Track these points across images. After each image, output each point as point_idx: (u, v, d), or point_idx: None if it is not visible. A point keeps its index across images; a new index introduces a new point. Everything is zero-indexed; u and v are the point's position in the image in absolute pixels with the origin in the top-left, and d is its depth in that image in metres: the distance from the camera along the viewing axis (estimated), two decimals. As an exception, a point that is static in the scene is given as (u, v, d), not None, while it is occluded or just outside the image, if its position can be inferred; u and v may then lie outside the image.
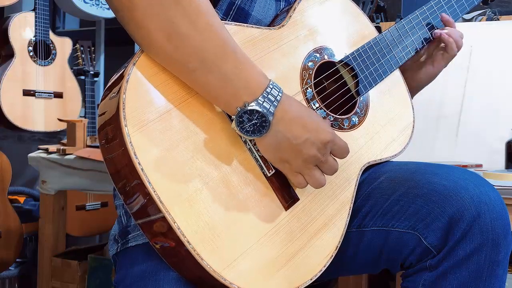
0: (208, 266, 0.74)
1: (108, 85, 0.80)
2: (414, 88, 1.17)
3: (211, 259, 0.74)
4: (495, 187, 0.90)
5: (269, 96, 0.80)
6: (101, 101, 0.81)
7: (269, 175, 0.84)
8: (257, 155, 0.84)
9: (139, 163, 0.73)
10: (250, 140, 0.84)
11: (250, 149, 0.84)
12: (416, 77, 1.16)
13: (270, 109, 0.80)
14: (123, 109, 0.74)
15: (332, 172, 0.87)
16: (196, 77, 0.79)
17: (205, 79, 0.79)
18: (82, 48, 2.67)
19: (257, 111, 0.79)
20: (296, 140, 0.82)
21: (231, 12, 0.96)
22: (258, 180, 0.83)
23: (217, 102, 0.81)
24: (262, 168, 0.84)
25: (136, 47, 0.83)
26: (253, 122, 0.79)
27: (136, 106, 0.75)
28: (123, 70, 0.78)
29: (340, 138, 0.87)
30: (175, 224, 0.73)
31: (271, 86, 0.81)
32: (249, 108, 0.79)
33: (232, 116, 0.80)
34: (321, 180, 0.85)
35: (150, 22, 0.77)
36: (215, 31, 0.79)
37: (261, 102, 0.79)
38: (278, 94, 0.81)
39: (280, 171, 0.85)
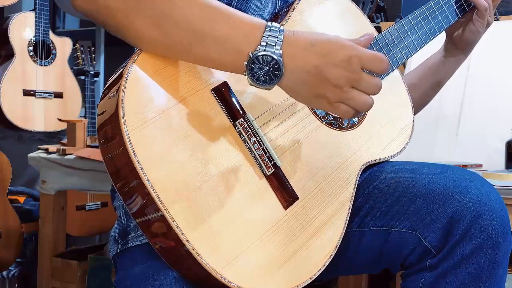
0: (207, 265, 0.74)
1: (107, 84, 0.80)
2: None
3: (210, 258, 0.74)
4: (495, 187, 0.90)
5: (270, 37, 0.77)
6: (100, 100, 0.81)
7: (268, 174, 0.84)
8: (256, 153, 0.84)
9: (138, 162, 0.73)
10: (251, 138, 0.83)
11: (249, 148, 0.84)
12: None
13: (276, 47, 0.77)
14: (122, 108, 0.74)
15: (374, 88, 0.79)
16: (195, 51, 0.78)
17: (204, 50, 0.78)
18: (82, 48, 2.67)
19: (263, 56, 0.76)
20: (316, 69, 0.78)
21: None
22: (258, 179, 0.83)
23: (225, 67, 0.80)
24: (261, 167, 0.84)
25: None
26: (265, 69, 0.77)
27: (135, 105, 0.75)
28: (122, 69, 0.78)
29: (364, 49, 0.80)
30: (174, 222, 0.73)
31: (269, 28, 0.78)
32: (254, 56, 0.76)
33: (244, 73, 0.78)
34: (366, 99, 0.79)
35: (134, 19, 0.78)
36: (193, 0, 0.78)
37: (264, 46, 0.77)
38: (278, 32, 0.78)
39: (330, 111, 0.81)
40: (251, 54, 0.77)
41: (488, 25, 1.20)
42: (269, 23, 0.78)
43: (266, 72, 0.77)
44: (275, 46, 0.77)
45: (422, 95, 1.26)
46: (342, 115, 0.80)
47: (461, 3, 1.17)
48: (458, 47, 1.23)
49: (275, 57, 0.77)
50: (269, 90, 0.80)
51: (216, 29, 0.78)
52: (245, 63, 0.77)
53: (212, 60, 0.79)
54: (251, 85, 0.79)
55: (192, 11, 0.78)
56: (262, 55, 0.76)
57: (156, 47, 0.79)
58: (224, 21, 0.78)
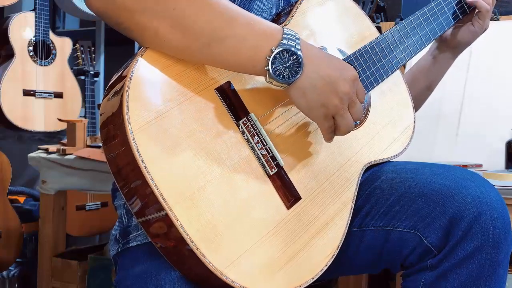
0: (211, 265, 0.74)
1: (110, 83, 0.80)
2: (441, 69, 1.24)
3: (214, 257, 0.74)
4: (495, 187, 0.90)
5: (289, 36, 0.81)
6: (103, 100, 0.81)
7: (271, 173, 0.84)
8: (259, 153, 0.84)
9: (142, 161, 0.73)
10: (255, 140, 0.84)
11: (252, 148, 0.84)
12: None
13: (296, 47, 0.81)
14: (126, 107, 0.74)
15: (359, 115, 0.87)
16: (213, 51, 0.80)
17: (223, 48, 0.80)
18: (82, 48, 2.67)
19: (286, 50, 0.80)
20: (329, 78, 0.83)
21: None
22: (261, 179, 0.83)
23: (243, 64, 0.82)
24: (264, 167, 0.84)
25: (136, 46, 0.84)
26: (286, 65, 0.80)
27: (139, 104, 0.75)
28: (125, 68, 0.78)
29: None
30: (178, 222, 0.73)
31: (286, 29, 0.82)
32: (278, 50, 0.79)
33: (266, 67, 0.80)
34: (351, 123, 0.86)
35: (153, 19, 0.78)
36: (214, 1, 0.80)
37: (286, 42, 0.80)
38: (295, 34, 0.82)
39: (314, 121, 0.86)
40: (273, 49, 0.80)
41: (485, 28, 1.20)
42: (285, 28, 0.82)
43: (287, 67, 0.80)
44: (295, 44, 0.81)
45: (414, 99, 1.25)
46: (324, 130, 0.86)
47: (461, 4, 1.17)
48: (450, 45, 1.22)
49: (298, 53, 0.80)
50: (283, 87, 0.82)
51: (236, 29, 0.80)
52: (267, 57, 0.79)
53: (229, 60, 0.81)
54: (268, 81, 0.81)
55: (212, 12, 0.79)
56: (286, 50, 0.80)
57: (173, 47, 0.80)
58: (244, 22, 0.81)
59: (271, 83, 0.81)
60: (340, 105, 0.84)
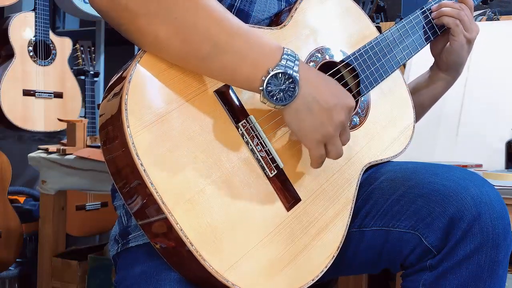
0: (211, 267, 0.74)
1: (110, 84, 0.80)
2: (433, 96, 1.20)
3: (214, 260, 0.74)
4: (495, 187, 0.90)
5: (289, 57, 0.80)
6: (102, 101, 0.81)
7: (271, 175, 0.84)
8: (259, 155, 0.84)
9: (141, 164, 0.73)
10: (257, 140, 0.83)
11: (252, 150, 0.84)
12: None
13: (294, 69, 0.80)
14: (125, 109, 0.74)
15: (346, 141, 0.87)
16: (212, 62, 0.79)
17: (221, 62, 0.79)
18: (82, 48, 2.67)
19: (283, 73, 0.79)
20: (326, 104, 0.82)
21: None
22: (260, 181, 0.83)
23: (238, 80, 0.81)
24: (264, 169, 0.84)
25: (136, 47, 0.83)
26: (281, 87, 0.79)
27: (138, 107, 0.75)
28: (125, 70, 0.78)
29: None
30: (178, 225, 0.73)
31: (286, 51, 0.81)
32: (274, 72, 0.79)
33: (260, 87, 0.79)
34: (341, 150, 0.86)
35: (155, 25, 0.78)
36: (217, 13, 0.79)
37: (284, 63, 0.79)
38: (295, 55, 0.81)
39: (304, 146, 0.85)
40: (270, 70, 0.79)
41: (469, 41, 1.11)
42: (285, 48, 0.81)
43: (282, 90, 0.79)
44: (293, 67, 0.79)
45: None
46: (314, 158, 0.85)
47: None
48: (442, 68, 1.17)
49: (294, 77, 0.79)
50: (275, 109, 0.81)
51: (236, 44, 0.79)
52: (263, 78, 0.79)
53: (226, 73, 0.80)
54: (262, 101, 0.80)
55: (214, 24, 0.79)
56: (282, 73, 0.79)
57: (171, 54, 0.79)
58: (246, 39, 0.80)
59: (265, 103, 0.80)
60: (334, 133, 0.83)
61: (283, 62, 0.79)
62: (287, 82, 0.79)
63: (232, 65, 0.79)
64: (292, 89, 0.79)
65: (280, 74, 0.79)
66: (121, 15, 0.79)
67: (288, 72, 0.79)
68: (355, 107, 1.01)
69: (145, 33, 0.79)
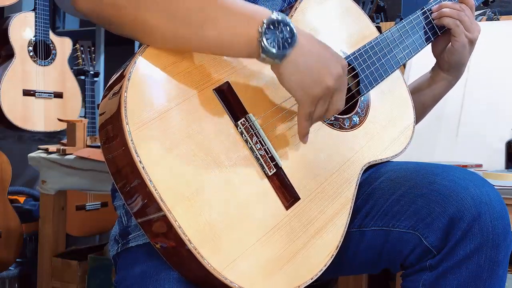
0: (209, 266, 0.74)
1: (109, 84, 0.80)
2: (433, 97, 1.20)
3: (212, 258, 0.74)
4: (495, 187, 0.90)
5: (279, 13, 0.79)
6: (102, 100, 0.81)
7: (270, 174, 0.84)
8: (258, 154, 0.84)
9: (140, 162, 0.73)
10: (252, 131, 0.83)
11: (251, 148, 0.84)
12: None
13: (289, 22, 0.79)
14: (125, 107, 0.74)
15: (340, 107, 0.85)
16: (204, 32, 0.79)
17: (215, 29, 0.79)
18: (82, 48, 2.67)
19: (280, 21, 0.78)
20: (324, 57, 0.82)
21: None
22: (259, 179, 0.83)
23: (237, 42, 0.80)
24: (263, 167, 0.84)
25: (136, 47, 0.84)
26: (280, 35, 0.78)
27: (137, 105, 0.75)
28: (124, 69, 0.78)
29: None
30: (176, 223, 0.73)
31: (277, 12, 0.80)
32: (271, 19, 0.78)
33: (259, 38, 0.78)
34: (323, 114, 0.85)
35: (144, 12, 0.78)
36: None
37: (276, 16, 0.79)
38: (287, 17, 0.80)
39: (298, 105, 0.84)
40: (265, 21, 0.78)
41: (471, 41, 1.11)
42: (276, 11, 0.80)
43: (281, 38, 0.78)
44: (286, 19, 0.79)
45: None
46: (302, 116, 0.84)
47: None
48: (443, 68, 1.17)
49: (290, 24, 0.79)
50: (278, 62, 0.80)
51: (227, 8, 0.79)
52: (259, 29, 0.78)
53: (223, 39, 0.80)
54: (262, 57, 0.79)
55: None
56: (278, 21, 0.78)
57: (166, 36, 0.79)
58: (234, 2, 0.80)
59: (264, 59, 0.79)
60: (332, 87, 0.82)
61: (274, 15, 0.79)
62: (285, 29, 0.78)
63: (228, 29, 0.79)
64: (291, 36, 0.79)
65: (276, 23, 0.78)
66: (108, 11, 0.79)
67: (285, 20, 0.78)
68: (355, 107, 1.01)
69: (136, 23, 0.79)
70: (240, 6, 0.80)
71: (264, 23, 0.78)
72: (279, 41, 0.78)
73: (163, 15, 0.78)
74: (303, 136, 0.87)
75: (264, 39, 0.78)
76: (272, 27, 0.78)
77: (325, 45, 0.85)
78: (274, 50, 0.78)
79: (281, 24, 0.78)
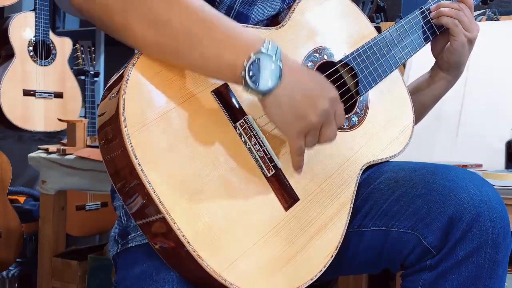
0: (209, 267, 0.74)
1: (108, 85, 0.80)
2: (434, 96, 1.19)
3: (212, 260, 0.74)
4: (495, 187, 0.90)
5: (270, 46, 0.78)
6: (100, 101, 0.81)
7: (269, 175, 0.84)
8: (257, 155, 0.84)
9: (138, 164, 0.73)
10: (253, 137, 0.83)
11: (250, 149, 0.84)
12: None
13: (277, 56, 0.78)
14: (123, 109, 0.74)
15: (331, 137, 0.84)
16: (190, 54, 0.78)
17: (200, 53, 0.78)
18: (82, 48, 2.67)
19: (267, 55, 0.77)
20: (310, 91, 0.80)
21: (230, 16, 0.96)
22: (258, 181, 0.83)
23: (220, 71, 0.79)
24: (262, 169, 0.84)
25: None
26: (264, 72, 0.76)
27: (135, 107, 0.75)
28: (122, 70, 0.78)
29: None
30: (175, 225, 0.73)
31: (268, 41, 0.79)
32: (256, 57, 0.76)
33: (242, 72, 0.77)
34: (333, 134, 0.84)
35: (131, 19, 0.78)
36: (193, 4, 0.78)
37: (266, 51, 0.77)
38: (277, 46, 0.79)
39: (286, 136, 0.83)
40: (252, 54, 0.77)
41: (470, 41, 1.10)
42: (267, 40, 0.79)
43: (265, 74, 0.77)
44: (275, 53, 0.78)
45: None
46: (294, 151, 0.83)
47: None
48: (443, 68, 1.16)
49: (278, 62, 0.77)
50: (260, 97, 0.79)
51: (215, 34, 0.78)
52: (245, 63, 0.77)
53: (207, 65, 0.79)
54: (244, 89, 0.78)
55: (189, 15, 0.78)
56: (266, 54, 0.77)
57: (150, 47, 0.79)
58: (225, 28, 0.79)
59: (247, 90, 0.78)
60: (316, 123, 0.81)
61: (264, 49, 0.77)
62: (269, 66, 0.77)
63: (214, 56, 0.78)
64: (276, 74, 0.77)
65: (263, 58, 0.76)
66: (100, 12, 0.79)
67: (274, 53, 0.77)
68: (354, 107, 1.01)
69: (124, 28, 0.79)
70: (228, 35, 0.78)
71: (250, 57, 0.77)
72: (262, 78, 0.77)
73: (149, 27, 0.78)
74: (297, 168, 0.86)
75: (247, 75, 0.77)
76: (258, 61, 0.76)
77: (315, 76, 0.84)
78: (254, 87, 0.77)
79: (268, 59, 0.77)
